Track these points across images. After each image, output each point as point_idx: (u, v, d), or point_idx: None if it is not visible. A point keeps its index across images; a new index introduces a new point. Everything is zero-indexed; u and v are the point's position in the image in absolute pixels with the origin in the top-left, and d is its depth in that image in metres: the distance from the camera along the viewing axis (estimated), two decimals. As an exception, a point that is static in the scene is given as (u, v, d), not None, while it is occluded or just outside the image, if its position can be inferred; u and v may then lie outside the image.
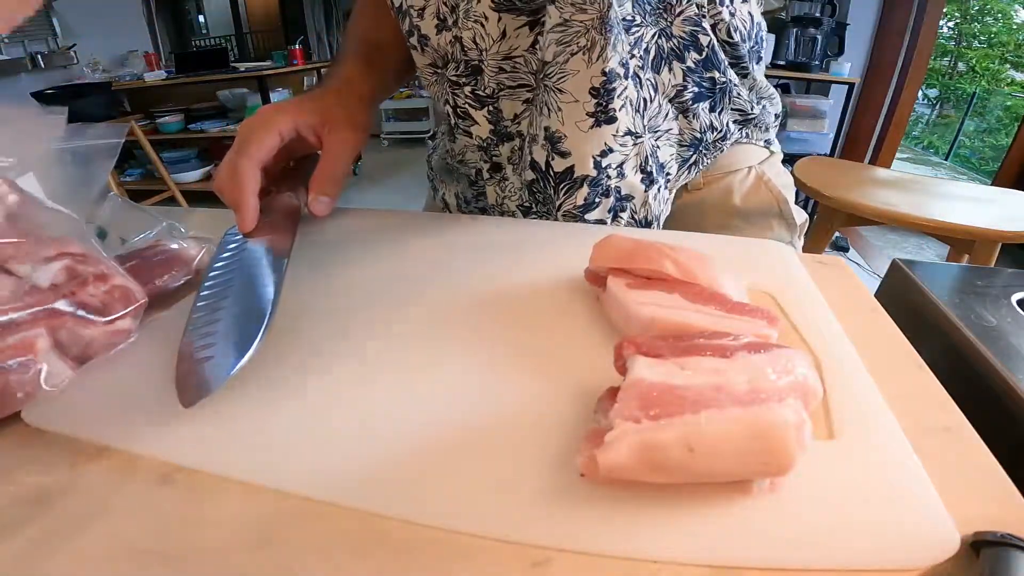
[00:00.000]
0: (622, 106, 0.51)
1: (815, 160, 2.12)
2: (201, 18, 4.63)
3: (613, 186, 0.55)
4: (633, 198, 0.56)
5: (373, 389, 0.33)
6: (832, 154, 3.17)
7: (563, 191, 0.55)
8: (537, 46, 0.51)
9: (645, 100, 0.54)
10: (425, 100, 5.40)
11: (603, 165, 0.53)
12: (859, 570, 0.23)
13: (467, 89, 0.57)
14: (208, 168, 3.97)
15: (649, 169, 0.56)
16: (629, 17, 0.49)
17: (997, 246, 1.54)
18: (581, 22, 0.46)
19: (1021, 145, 3.12)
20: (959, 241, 1.64)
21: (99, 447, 0.29)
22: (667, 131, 0.58)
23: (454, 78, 0.58)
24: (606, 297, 0.38)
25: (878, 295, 0.47)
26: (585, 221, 0.56)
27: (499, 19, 0.51)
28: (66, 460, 0.28)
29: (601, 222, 0.56)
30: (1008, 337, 0.39)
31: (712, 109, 0.59)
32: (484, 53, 0.53)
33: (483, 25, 0.51)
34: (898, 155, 3.43)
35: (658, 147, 0.58)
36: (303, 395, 0.32)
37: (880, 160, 3.30)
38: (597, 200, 0.55)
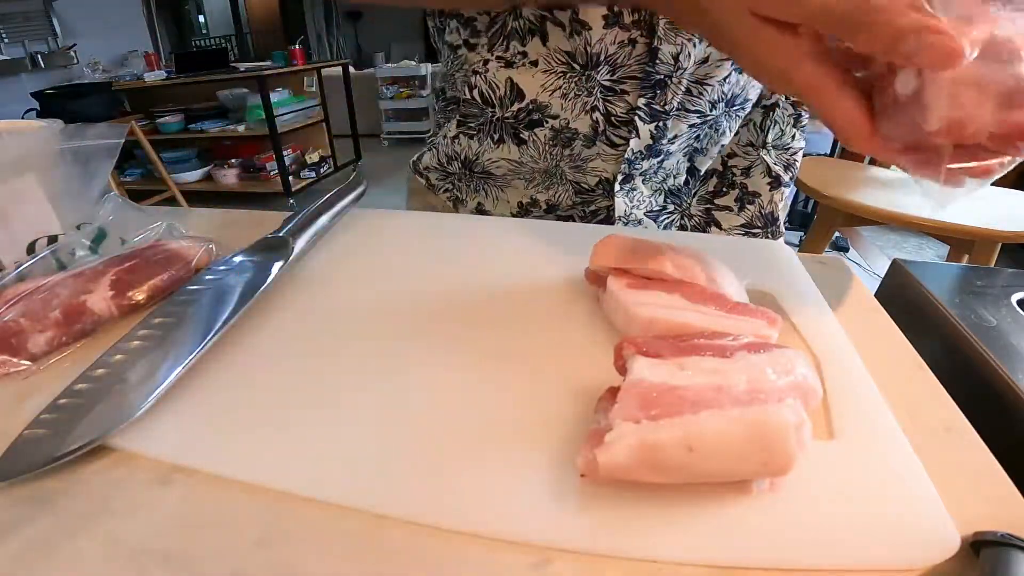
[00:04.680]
0: (743, 124, 0.63)
1: (815, 160, 2.12)
2: (201, 18, 4.63)
3: (739, 182, 0.65)
4: (760, 195, 0.65)
5: (372, 389, 0.33)
6: (832, 154, 3.17)
7: (699, 182, 0.66)
8: (728, 78, 0.54)
9: (773, 121, 0.64)
10: (425, 100, 5.41)
11: (729, 164, 0.65)
12: (859, 570, 0.23)
13: (641, 100, 0.55)
14: (208, 168, 3.98)
15: (776, 174, 0.65)
16: None
17: (997, 246, 1.54)
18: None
19: (1021, 145, 3.11)
20: (959, 241, 1.64)
21: (98, 447, 0.29)
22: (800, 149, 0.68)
23: (609, 83, 0.54)
24: (606, 297, 0.38)
25: (878, 295, 0.47)
26: (716, 207, 0.66)
27: (709, 44, 0.50)
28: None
29: (729, 209, 0.66)
30: (1008, 337, 0.39)
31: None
32: (681, 71, 0.53)
33: (695, 44, 0.51)
34: (898, 155, 3.42)
35: (795, 160, 0.66)
36: (302, 395, 0.32)
37: (880, 160, 3.30)
38: (724, 189, 0.66)
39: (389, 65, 5.60)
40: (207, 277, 0.41)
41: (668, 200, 0.65)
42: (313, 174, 4.09)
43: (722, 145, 0.63)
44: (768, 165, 0.65)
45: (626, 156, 0.58)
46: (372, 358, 0.35)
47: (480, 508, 0.25)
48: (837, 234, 2.87)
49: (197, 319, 0.37)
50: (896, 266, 0.52)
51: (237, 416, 0.31)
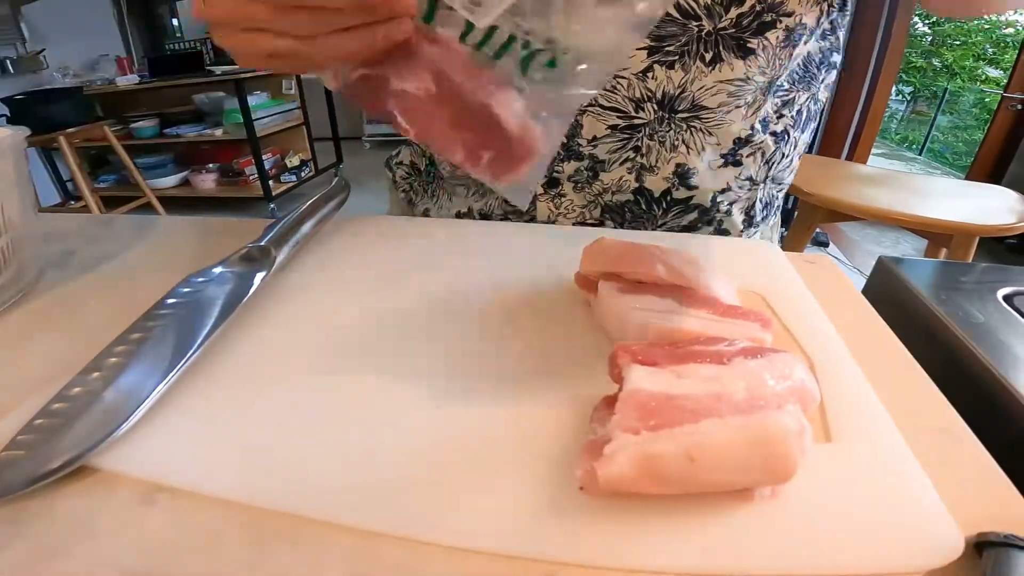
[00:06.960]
0: (750, 154, 0.56)
1: (794, 157, 2.14)
2: (175, 21, 4.56)
3: (718, 219, 0.59)
4: (729, 232, 0.60)
5: (363, 403, 0.32)
6: (810, 151, 3.21)
7: (673, 213, 0.59)
8: (653, 74, 0.49)
9: (782, 155, 0.58)
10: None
11: (718, 201, 0.58)
12: (864, 575, 0.23)
13: None
14: (185, 173, 3.91)
15: (753, 213, 0.61)
16: (785, 85, 0.55)
17: (975, 240, 1.57)
18: (757, 82, 0.51)
19: (993, 140, 3.18)
20: (937, 236, 1.67)
21: (77, 466, 0.27)
22: (788, 183, 0.63)
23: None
24: (597, 302, 0.38)
25: (865, 292, 0.47)
26: None
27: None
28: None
29: None
30: (996, 334, 0.39)
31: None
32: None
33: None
34: (873, 150, 3.47)
35: (776, 195, 0.62)
36: (290, 410, 0.31)
37: (856, 156, 3.34)
38: (700, 226, 0.60)
39: (368, 67, 5.54)
40: (186, 290, 0.40)
41: (607, 216, 0.59)
42: (294, 178, 4.04)
43: (680, 164, 0.55)
44: (756, 199, 0.60)
45: None
46: (360, 370, 0.35)
47: (477, 523, 0.24)
48: (817, 229, 2.91)
49: (177, 333, 0.36)
50: (882, 264, 0.52)
51: (222, 432, 0.30)
